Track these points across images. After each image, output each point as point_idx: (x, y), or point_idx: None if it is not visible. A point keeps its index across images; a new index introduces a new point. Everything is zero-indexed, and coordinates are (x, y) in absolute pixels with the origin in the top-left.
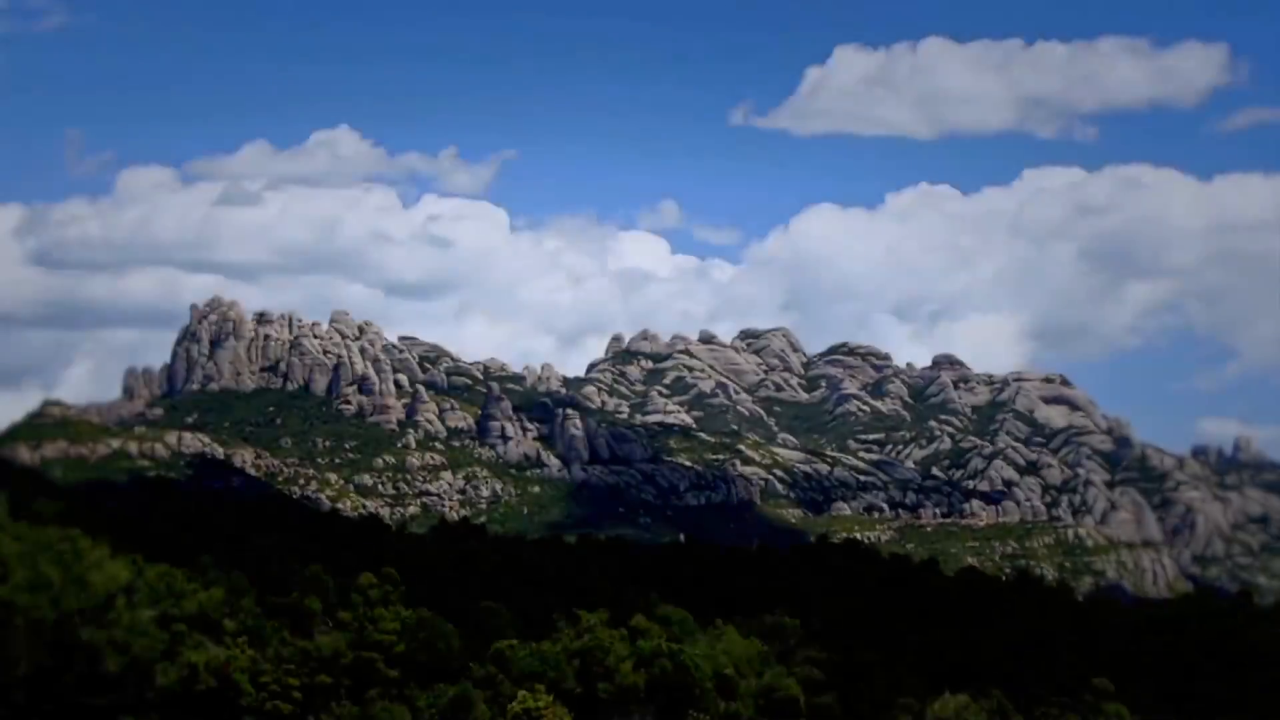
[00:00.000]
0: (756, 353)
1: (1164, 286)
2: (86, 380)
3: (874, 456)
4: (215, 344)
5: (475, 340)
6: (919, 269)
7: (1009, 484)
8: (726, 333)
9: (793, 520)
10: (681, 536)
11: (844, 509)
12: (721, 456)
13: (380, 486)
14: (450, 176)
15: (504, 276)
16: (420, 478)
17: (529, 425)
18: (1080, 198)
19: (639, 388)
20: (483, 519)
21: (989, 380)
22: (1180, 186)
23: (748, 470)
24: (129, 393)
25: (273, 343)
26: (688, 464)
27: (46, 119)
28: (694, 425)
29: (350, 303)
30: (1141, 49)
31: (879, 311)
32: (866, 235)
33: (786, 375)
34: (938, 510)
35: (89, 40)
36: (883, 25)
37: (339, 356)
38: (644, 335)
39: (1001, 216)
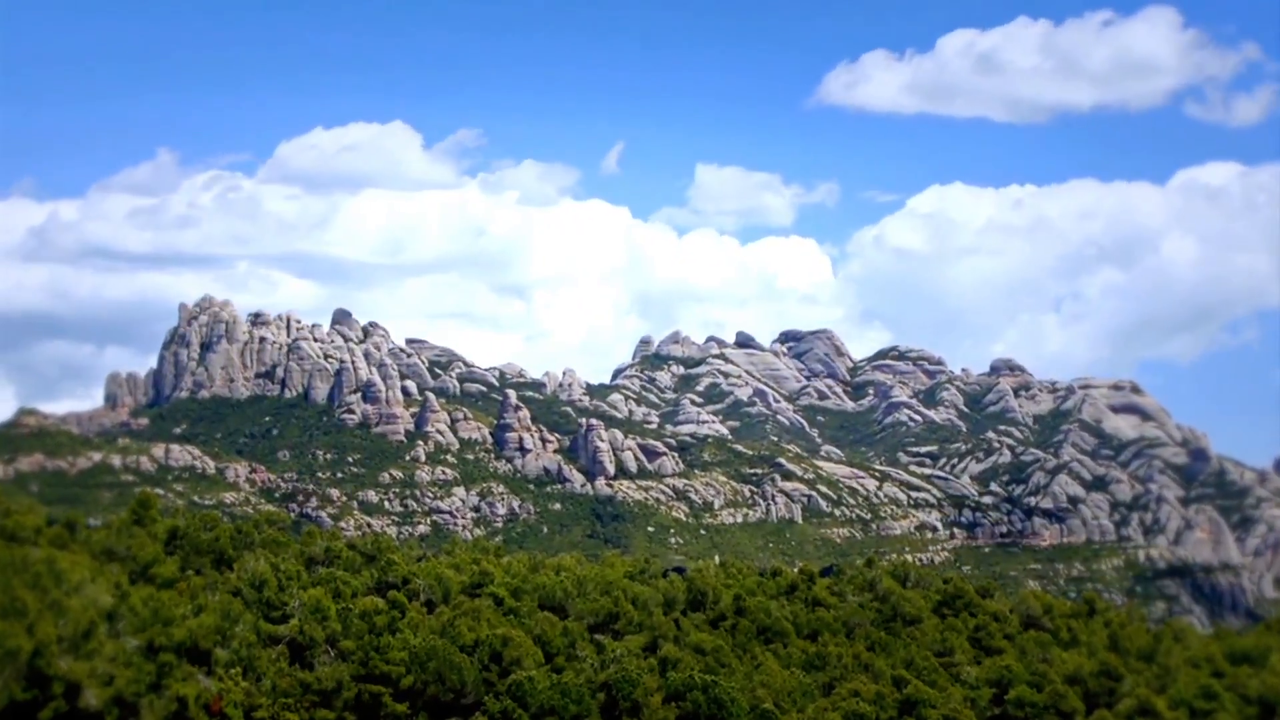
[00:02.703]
0: (798, 357)
1: None
2: None
3: (927, 471)
4: (206, 347)
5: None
6: (1049, 264)
7: (1074, 501)
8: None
9: (838, 540)
10: (717, 558)
11: (894, 528)
12: (760, 470)
13: (387, 503)
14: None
15: (623, 273)
16: (430, 494)
17: (549, 436)
18: (1245, 190)
19: (669, 395)
20: (499, 538)
21: (1052, 387)
22: None
23: (789, 486)
24: (111, 401)
25: (269, 346)
26: (723, 478)
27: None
28: (730, 436)
29: (461, 303)
30: None
31: (991, 310)
32: (1000, 221)
33: (831, 382)
34: (996, 530)
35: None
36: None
37: (341, 361)
38: (674, 338)
39: (1152, 206)
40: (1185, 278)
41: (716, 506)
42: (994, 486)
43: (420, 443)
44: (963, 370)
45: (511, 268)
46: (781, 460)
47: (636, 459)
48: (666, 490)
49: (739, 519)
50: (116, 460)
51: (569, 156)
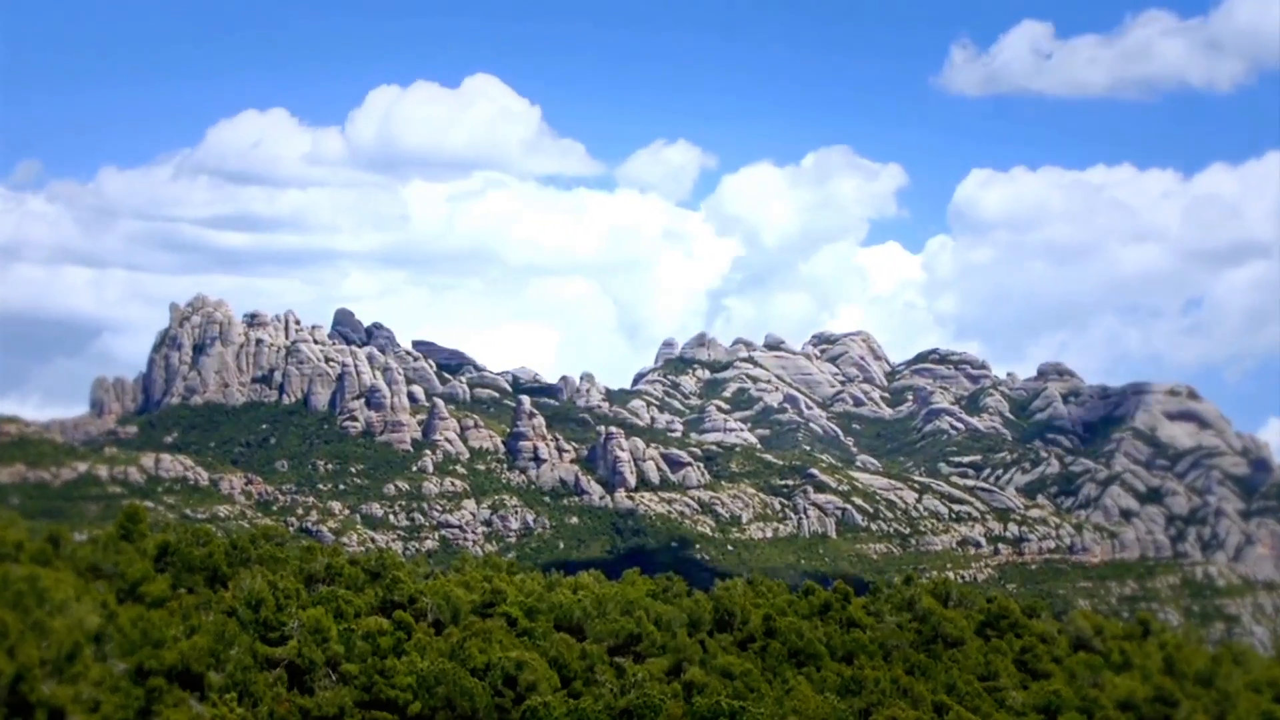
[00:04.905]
0: (832, 360)
1: None
2: None
3: (969, 482)
4: (199, 350)
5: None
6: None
7: (1127, 514)
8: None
9: (875, 556)
10: (746, 574)
11: (934, 543)
12: (791, 482)
13: (392, 517)
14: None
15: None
16: (439, 507)
17: (566, 445)
18: None
19: (694, 401)
20: (512, 554)
21: (1103, 393)
22: None
23: (822, 498)
24: (98, 407)
25: (266, 349)
26: (751, 490)
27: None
28: (759, 445)
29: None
30: None
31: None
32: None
33: (867, 387)
34: (1044, 545)
35: None
36: None
37: (343, 365)
38: (700, 340)
39: None
40: None
41: (745, 520)
42: (1041, 499)
43: (428, 452)
44: (1008, 375)
45: (620, 272)
46: (814, 471)
47: (659, 469)
48: (691, 503)
49: (769, 533)
50: (103, 471)
51: (698, 139)
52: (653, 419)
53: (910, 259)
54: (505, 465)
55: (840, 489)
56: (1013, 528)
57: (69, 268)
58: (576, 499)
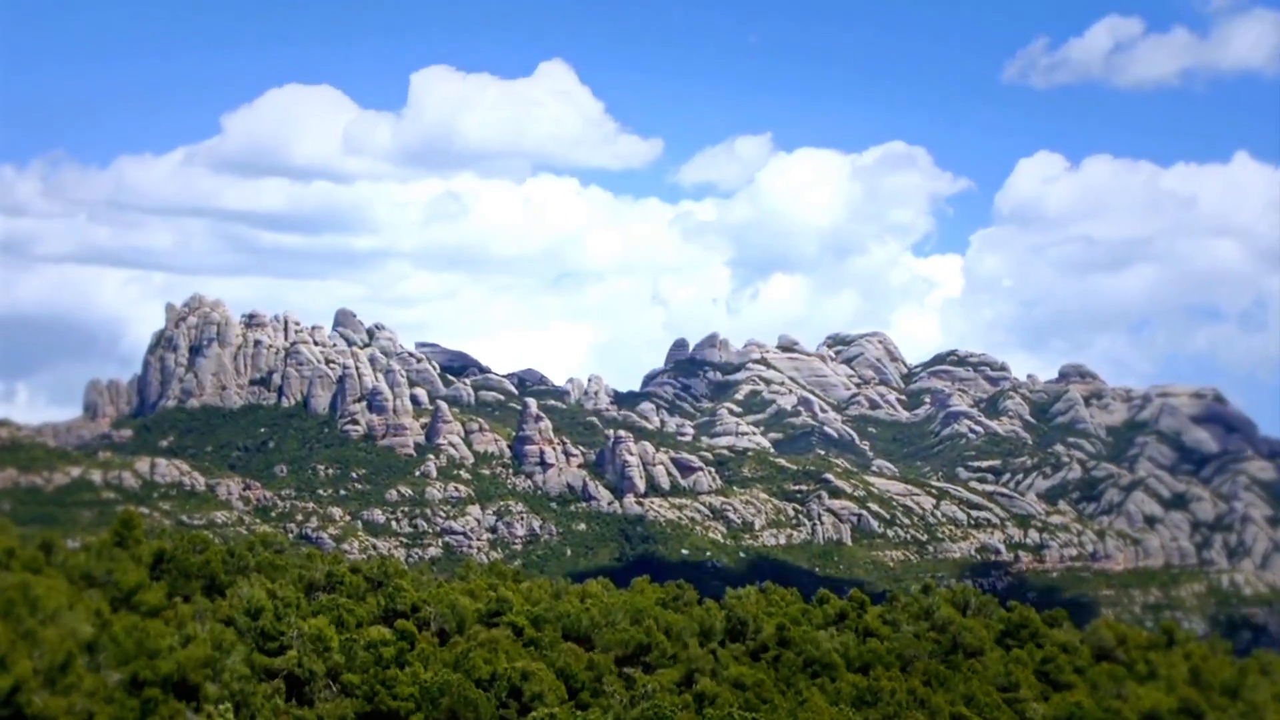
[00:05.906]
0: (847, 362)
1: None
2: None
3: (989, 487)
4: (195, 352)
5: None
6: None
7: (1151, 520)
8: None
9: (891, 564)
10: (758, 583)
11: (953, 550)
12: (805, 487)
13: (395, 523)
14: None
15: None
16: (442, 513)
17: (573, 450)
18: None
19: (705, 404)
20: (518, 562)
21: (1127, 395)
22: None
23: (837, 504)
24: (91, 410)
25: (265, 350)
26: (764, 496)
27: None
28: (771, 449)
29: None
30: None
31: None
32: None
33: (883, 389)
34: (1065, 552)
35: None
36: None
37: (344, 367)
38: (712, 341)
39: None
40: None
41: (757, 527)
42: (1063, 505)
43: (431, 457)
44: (1029, 377)
45: (672, 272)
46: (829, 475)
47: (669, 474)
48: (702, 509)
49: (782, 540)
50: (97, 476)
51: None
52: (662, 422)
53: (956, 257)
54: (511, 470)
55: (856, 494)
56: (1033, 534)
57: (83, 265)
58: (584, 505)
